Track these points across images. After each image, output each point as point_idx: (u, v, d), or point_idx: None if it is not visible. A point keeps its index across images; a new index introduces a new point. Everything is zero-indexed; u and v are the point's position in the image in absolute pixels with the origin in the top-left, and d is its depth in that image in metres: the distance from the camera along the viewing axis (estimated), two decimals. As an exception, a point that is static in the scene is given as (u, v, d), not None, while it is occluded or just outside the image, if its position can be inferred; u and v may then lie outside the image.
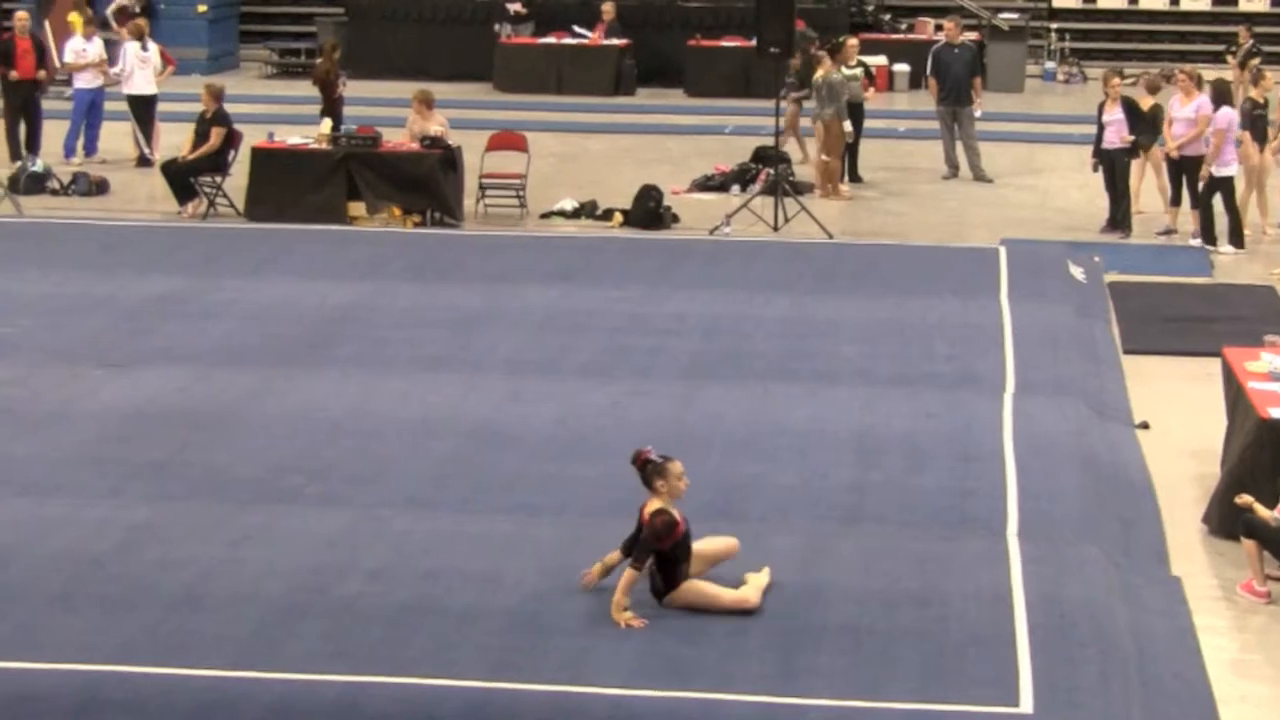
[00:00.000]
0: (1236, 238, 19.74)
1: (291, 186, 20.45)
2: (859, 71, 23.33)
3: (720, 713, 8.82)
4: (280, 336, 15.48)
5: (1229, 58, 30.11)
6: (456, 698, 8.90)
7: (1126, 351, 15.88)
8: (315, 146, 20.78)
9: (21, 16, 24.47)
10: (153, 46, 23.96)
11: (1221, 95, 19.96)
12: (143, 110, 23.89)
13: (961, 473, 12.21)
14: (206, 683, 9.01)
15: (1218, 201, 19.87)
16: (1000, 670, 9.23)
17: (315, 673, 9.10)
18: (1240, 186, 20.43)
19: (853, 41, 23.98)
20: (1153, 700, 9.24)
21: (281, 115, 25.55)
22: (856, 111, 22.83)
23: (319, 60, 23.33)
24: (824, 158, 22.36)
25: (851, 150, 23.08)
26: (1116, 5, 34.37)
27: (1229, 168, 19.70)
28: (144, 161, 23.70)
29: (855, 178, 23.29)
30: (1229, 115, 19.76)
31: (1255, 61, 25.74)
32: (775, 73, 22.02)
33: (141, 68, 23.69)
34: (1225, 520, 11.36)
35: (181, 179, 20.91)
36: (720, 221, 20.32)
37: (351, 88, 23.89)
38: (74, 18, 25.34)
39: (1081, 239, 20.12)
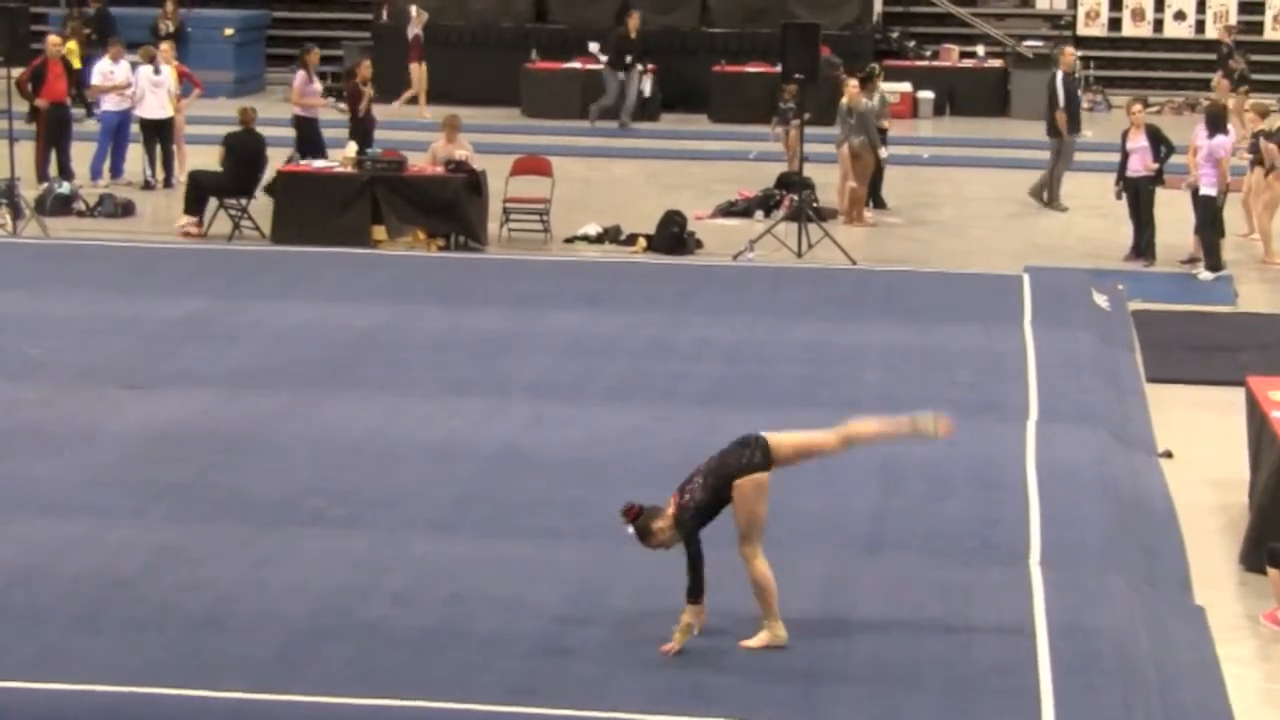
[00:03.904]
0: (1213, 259, 19.72)
1: (316, 210, 20.51)
2: (891, 98, 23.36)
3: (742, 739, 8.83)
4: (304, 359, 15.52)
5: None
6: (479, 722, 8.93)
7: (1150, 380, 15.86)
8: (340, 170, 20.86)
9: (54, 40, 24.60)
10: (166, 70, 24.03)
11: (1215, 120, 19.91)
12: (153, 134, 23.98)
13: (984, 500, 12.21)
14: (229, 704, 9.03)
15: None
16: (1022, 699, 9.22)
17: (338, 695, 9.12)
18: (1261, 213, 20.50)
19: (879, 70, 24.03)
20: (1175, 730, 9.23)
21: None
22: (880, 136, 22.82)
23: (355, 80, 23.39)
24: (851, 184, 22.38)
25: (877, 177, 23.08)
26: (1141, 33, 34.34)
27: (1211, 188, 19.68)
28: (148, 186, 23.78)
29: (879, 204, 23.31)
30: (1223, 142, 19.70)
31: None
32: (771, 99, 21.99)
33: (154, 91, 23.78)
34: (1254, 553, 11.31)
35: (201, 194, 21.06)
36: (743, 247, 20.34)
37: (377, 111, 23.97)
38: (70, 46, 25.24)
39: (1105, 267, 20.10)
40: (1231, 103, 20.85)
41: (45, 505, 11.84)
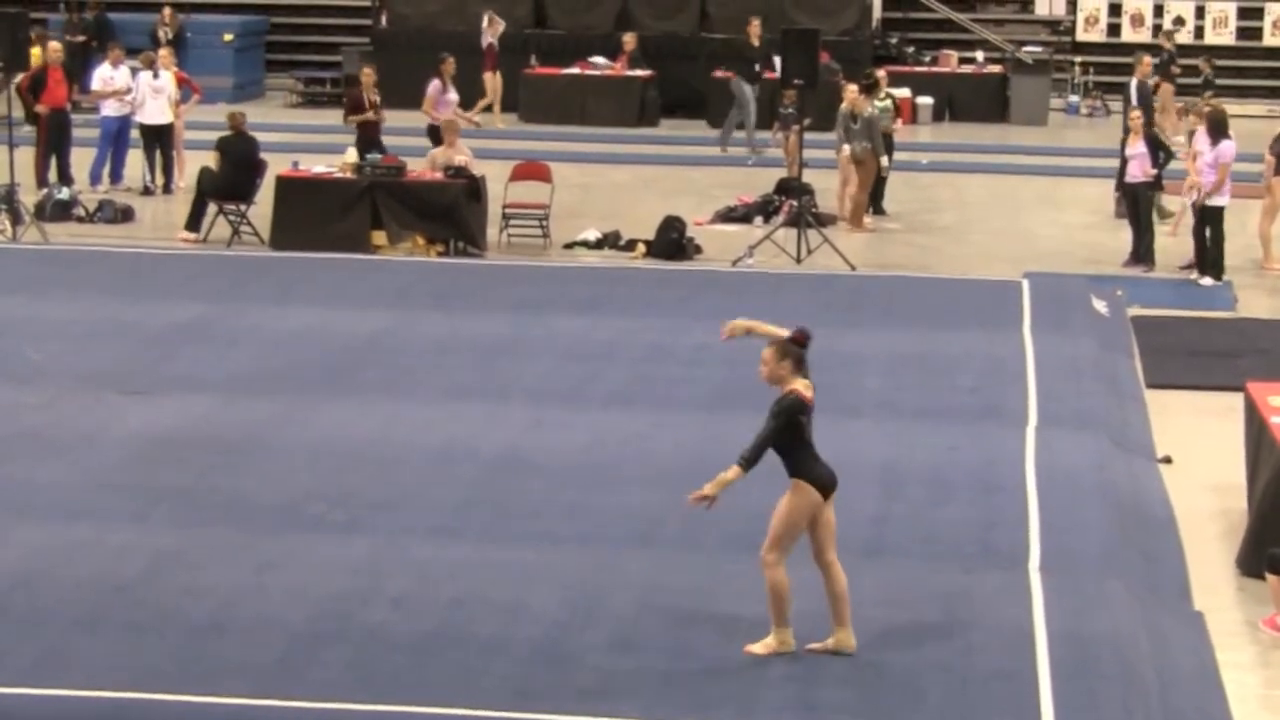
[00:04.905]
0: (1216, 269, 19.71)
1: (316, 215, 20.53)
2: (889, 104, 23.34)
3: (742, 744, 8.84)
4: (304, 364, 15.53)
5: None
6: (479, 726, 8.94)
7: (1149, 385, 15.87)
8: (340, 175, 20.86)
9: (55, 47, 24.61)
10: (166, 76, 24.05)
11: (1218, 126, 19.90)
12: (153, 140, 24.01)
13: (984, 505, 12.23)
14: (230, 710, 9.04)
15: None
16: (1022, 704, 9.22)
17: (338, 701, 9.13)
18: (1261, 219, 20.53)
19: (880, 74, 23.93)
20: (1175, 735, 9.24)
21: (306, 144, 25.63)
22: (886, 143, 22.79)
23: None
24: (851, 190, 22.38)
25: (877, 183, 23.04)
26: (1140, 39, 34.35)
27: (1222, 198, 19.68)
28: (147, 191, 23.80)
29: (879, 210, 23.29)
30: (1230, 148, 19.71)
31: None
32: (769, 105, 21.85)
33: (154, 97, 23.81)
34: (1252, 559, 11.33)
35: (201, 198, 21.06)
36: (743, 253, 20.34)
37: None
38: (35, 52, 25.04)
39: (1104, 272, 20.12)
40: (1135, 113, 20.88)
41: (46, 509, 11.85)
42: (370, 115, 22.51)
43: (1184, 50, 33.91)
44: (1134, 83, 23.60)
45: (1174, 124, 27.94)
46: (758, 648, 9.72)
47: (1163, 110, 29.72)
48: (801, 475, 9.66)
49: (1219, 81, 31.39)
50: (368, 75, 23.09)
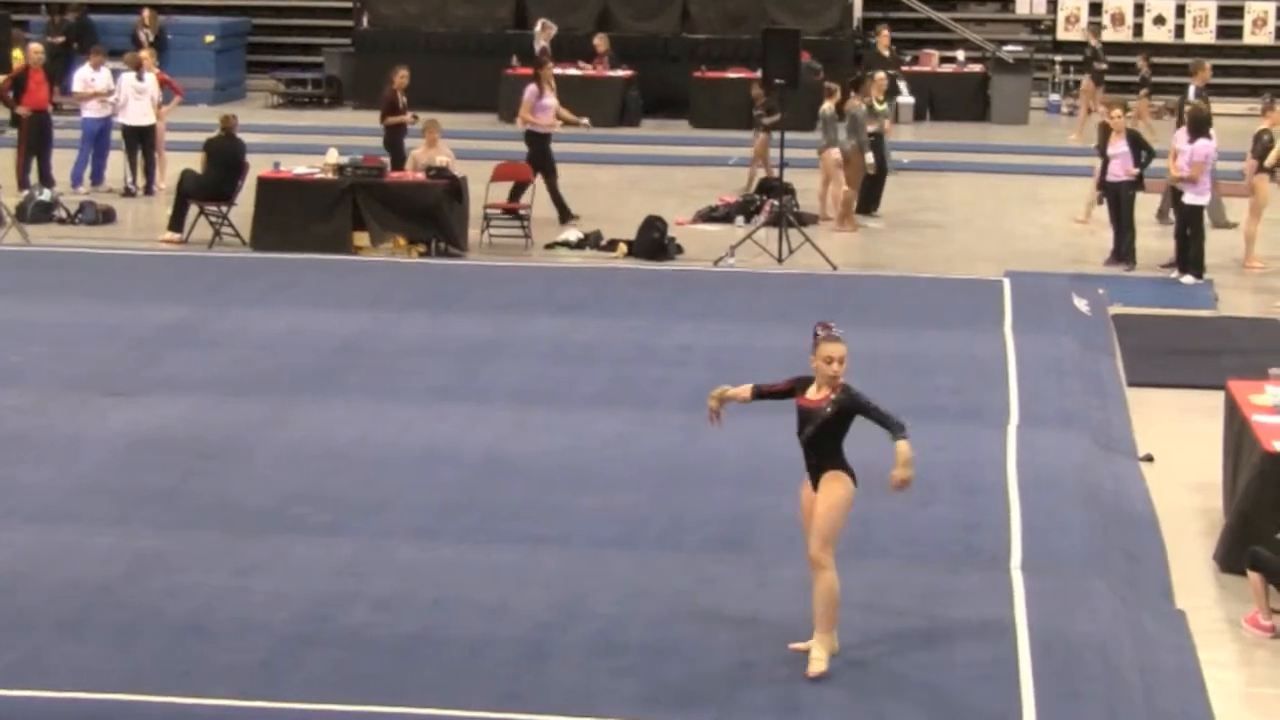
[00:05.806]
0: (1197, 267, 19.74)
1: (297, 216, 20.53)
2: (887, 108, 23.29)
3: (726, 744, 8.85)
4: (287, 366, 15.52)
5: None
6: (463, 728, 8.94)
7: (1130, 384, 15.90)
8: (321, 176, 20.85)
9: (36, 49, 24.60)
10: (149, 77, 24.04)
11: (1197, 125, 19.95)
12: (135, 141, 24.00)
13: (966, 505, 12.24)
14: (213, 712, 9.04)
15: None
16: (1005, 705, 9.24)
17: (321, 702, 9.13)
18: (1246, 217, 20.57)
19: (880, 76, 23.82)
20: (1157, 733, 9.25)
21: (287, 145, 25.62)
22: (876, 144, 22.77)
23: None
24: (844, 189, 22.37)
25: (869, 183, 22.97)
26: (1121, 38, 34.42)
27: (1202, 197, 19.72)
28: (128, 193, 23.78)
29: (865, 210, 23.24)
30: (1206, 147, 19.75)
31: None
32: (750, 105, 21.74)
33: (137, 98, 23.81)
34: (1232, 555, 11.37)
35: (183, 198, 21.03)
36: (724, 253, 20.36)
37: (357, 118, 23.92)
38: (17, 54, 24.89)
39: (1086, 271, 20.16)
40: (1116, 112, 20.90)
41: (29, 512, 11.83)
42: (406, 118, 22.41)
43: (1167, 49, 34.08)
44: (1191, 90, 23.38)
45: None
46: (818, 664, 9.56)
47: (1086, 105, 29.90)
48: (842, 468, 9.79)
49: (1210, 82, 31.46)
50: (402, 77, 22.51)
